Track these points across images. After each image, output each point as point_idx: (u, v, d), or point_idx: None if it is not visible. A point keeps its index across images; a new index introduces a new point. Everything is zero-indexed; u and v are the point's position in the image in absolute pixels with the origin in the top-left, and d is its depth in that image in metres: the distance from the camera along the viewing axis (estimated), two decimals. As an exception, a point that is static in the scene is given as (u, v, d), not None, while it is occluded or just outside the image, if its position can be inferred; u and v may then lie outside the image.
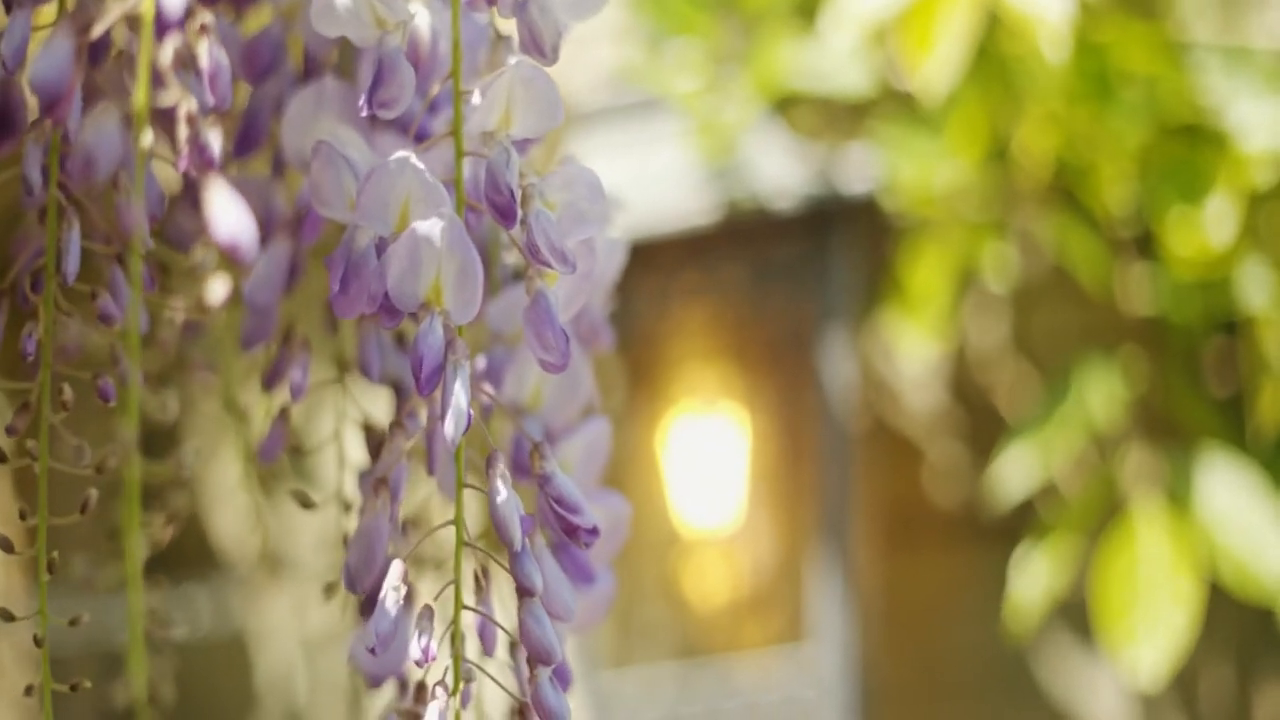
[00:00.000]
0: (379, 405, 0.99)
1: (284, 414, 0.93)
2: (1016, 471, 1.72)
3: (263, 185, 0.96)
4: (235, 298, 0.95)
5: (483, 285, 0.79)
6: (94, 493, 0.83)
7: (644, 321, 1.83)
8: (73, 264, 0.83)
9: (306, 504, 0.99)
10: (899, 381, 1.92)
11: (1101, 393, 1.72)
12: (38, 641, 0.83)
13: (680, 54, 1.82)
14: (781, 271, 1.80)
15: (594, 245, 0.82)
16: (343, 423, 0.98)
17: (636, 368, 1.85)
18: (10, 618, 0.85)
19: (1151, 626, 1.65)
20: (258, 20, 0.98)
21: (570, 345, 0.80)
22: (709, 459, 1.83)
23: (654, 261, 1.81)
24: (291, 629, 2.08)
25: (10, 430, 0.84)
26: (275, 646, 2.08)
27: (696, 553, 1.84)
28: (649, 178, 1.81)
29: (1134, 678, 1.67)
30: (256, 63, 0.94)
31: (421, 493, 1.00)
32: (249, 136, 0.96)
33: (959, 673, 1.88)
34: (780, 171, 1.79)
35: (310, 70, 0.96)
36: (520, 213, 0.80)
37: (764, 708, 1.78)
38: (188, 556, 2.09)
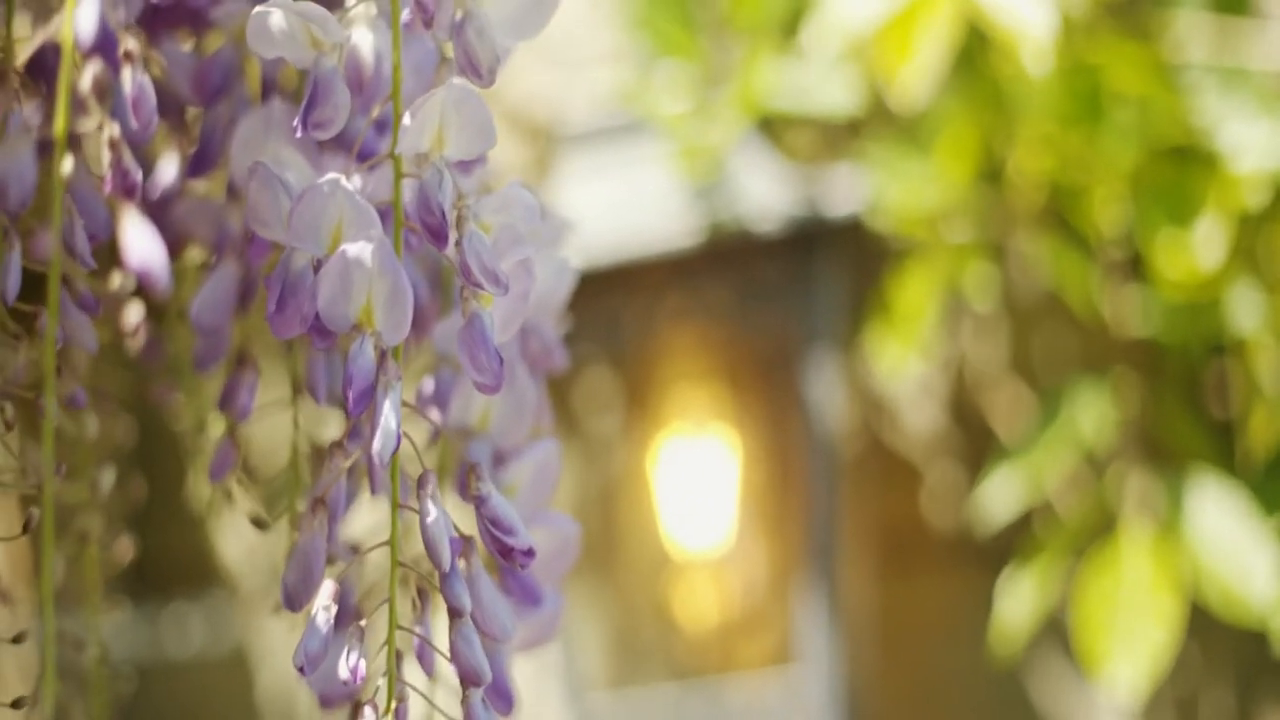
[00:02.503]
0: (335, 426, 0.99)
1: (232, 434, 0.93)
2: (1004, 493, 1.72)
3: (217, 208, 0.96)
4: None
5: (414, 307, 0.79)
6: (35, 512, 0.83)
7: (631, 344, 1.84)
8: (12, 285, 0.83)
9: (261, 525, 1.00)
10: (896, 403, 1.92)
11: (1092, 414, 1.72)
12: None
13: (669, 76, 1.82)
14: (767, 293, 1.80)
15: (530, 266, 0.82)
16: (297, 444, 0.99)
17: (626, 390, 1.86)
18: None
19: (1130, 644, 1.64)
20: (215, 44, 0.98)
21: (504, 367, 0.80)
22: (699, 481, 1.83)
23: (640, 283, 1.82)
24: (291, 648, 2.08)
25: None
26: (274, 665, 2.09)
27: (687, 574, 1.84)
28: (635, 200, 1.81)
29: (1112, 695, 1.66)
30: (207, 86, 0.94)
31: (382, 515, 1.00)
32: (203, 158, 0.96)
33: (954, 697, 1.88)
34: (765, 193, 1.80)
35: (267, 93, 0.96)
36: (454, 234, 0.80)
37: (752, 730, 1.79)
38: (183, 575, 2.10)
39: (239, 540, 2.09)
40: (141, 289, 0.91)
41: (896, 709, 1.87)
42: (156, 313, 1.07)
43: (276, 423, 1.06)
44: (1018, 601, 1.71)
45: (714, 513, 1.83)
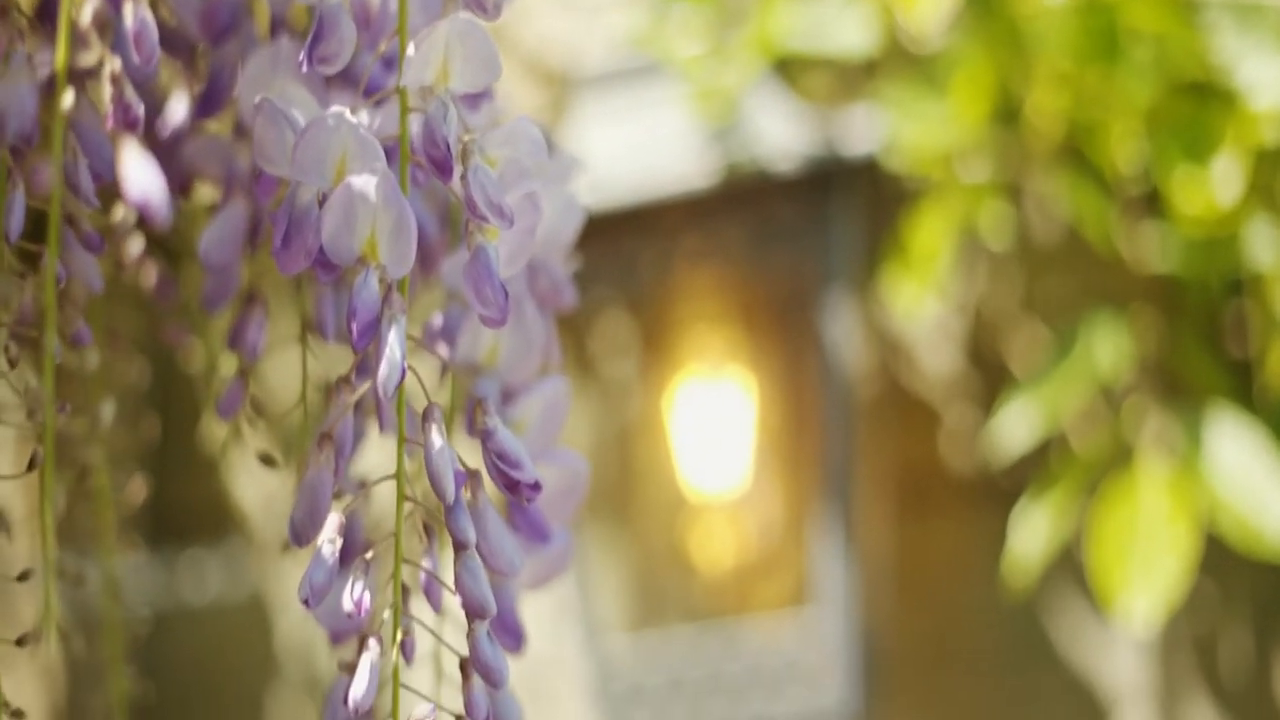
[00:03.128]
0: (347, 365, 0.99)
1: (242, 372, 0.94)
2: (1019, 425, 1.72)
3: (225, 146, 0.97)
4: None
5: (421, 243, 0.79)
6: (39, 450, 0.83)
7: (647, 286, 1.84)
8: (15, 224, 0.83)
9: (270, 463, 1.00)
10: (912, 345, 1.92)
11: (1108, 347, 1.72)
12: None
13: (684, 18, 1.82)
14: (783, 234, 1.80)
15: (536, 200, 0.82)
16: (307, 383, 0.99)
17: (642, 332, 1.86)
18: None
19: (1146, 574, 1.65)
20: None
21: (510, 302, 0.80)
22: (716, 423, 1.84)
23: (656, 226, 1.82)
24: (310, 595, 2.08)
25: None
26: (293, 613, 2.09)
27: (704, 516, 1.85)
28: (651, 142, 1.81)
29: (1127, 625, 1.67)
30: (214, 24, 0.95)
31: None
32: (211, 98, 0.97)
33: (970, 637, 1.88)
34: (782, 134, 1.80)
35: (274, 30, 0.96)
36: (460, 168, 0.80)
37: (769, 670, 1.79)
38: (200, 523, 2.11)
39: (256, 487, 2.10)
40: (143, 223, 0.92)
41: (913, 648, 1.88)
42: (170, 254, 1.07)
43: (290, 364, 1.06)
44: (1032, 534, 1.71)
45: (730, 455, 1.84)
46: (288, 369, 1.06)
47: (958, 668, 1.88)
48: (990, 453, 1.81)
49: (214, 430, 2.02)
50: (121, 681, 1.07)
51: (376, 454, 0.96)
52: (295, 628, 2.09)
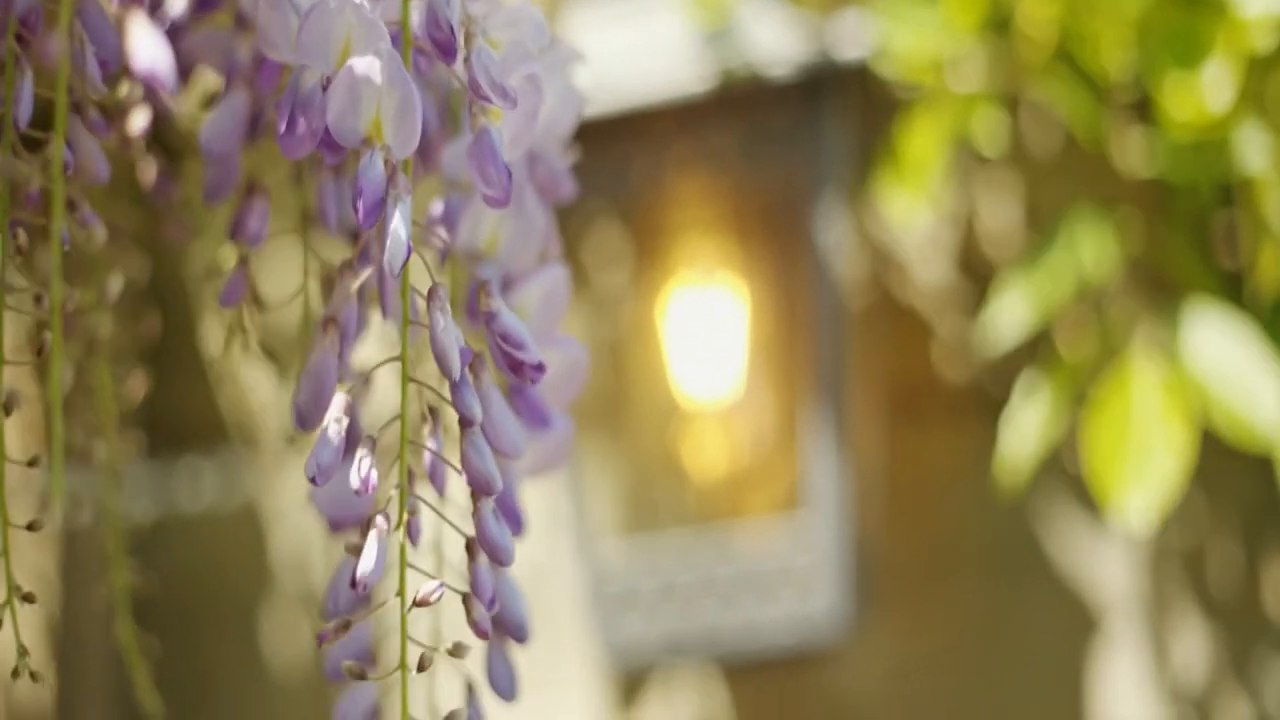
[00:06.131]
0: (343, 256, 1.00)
1: (243, 262, 0.94)
2: (1007, 320, 1.72)
3: (225, 38, 0.97)
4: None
5: (422, 122, 0.80)
6: (49, 336, 0.84)
7: (639, 193, 1.84)
8: (24, 110, 0.84)
9: (274, 358, 1.01)
10: (905, 256, 1.92)
11: (1091, 239, 1.72)
12: None
13: (677, -78, 1.82)
14: (775, 140, 1.80)
15: (538, 82, 0.83)
16: (306, 274, 0.99)
17: (634, 240, 1.86)
18: None
19: (1142, 471, 1.65)
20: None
21: (513, 181, 0.81)
22: (708, 330, 1.84)
23: (648, 131, 1.82)
24: (306, 506, 2.09)
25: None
26: (290, 523, 2.10)
27: (697, 424, 1.86)
28: (643, 48, 1.81)
29: (1124, 524, 1.68)
30: (213, -85, 0.95)
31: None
32: (211, -10, 0.97)
33: (962, 545, 1.89)
34: (774, 39, 1.80)
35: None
36: (463, 51, 0.81)
37: (761, 575, 1.80)
38: (196, 430, 2.11)
39: (252, 394, 2.10)
40: (150, 96, 0.92)
41: (904, 554, 1.89)
42: (168, 152, 1.07)
43: (282, 261, 1.06)
44: (1022, 435, 1.72)
45: (723, 362, 1.84)
46: (281, 265, 1.07)
47: (948, 574, 1.89)
48: (981, 349, 1.81)
49: (213, 332, 2.03)
50: (123, 575, 1.07)
51: (370, 348, 0.96)
52: (289, 537, 2.10)
